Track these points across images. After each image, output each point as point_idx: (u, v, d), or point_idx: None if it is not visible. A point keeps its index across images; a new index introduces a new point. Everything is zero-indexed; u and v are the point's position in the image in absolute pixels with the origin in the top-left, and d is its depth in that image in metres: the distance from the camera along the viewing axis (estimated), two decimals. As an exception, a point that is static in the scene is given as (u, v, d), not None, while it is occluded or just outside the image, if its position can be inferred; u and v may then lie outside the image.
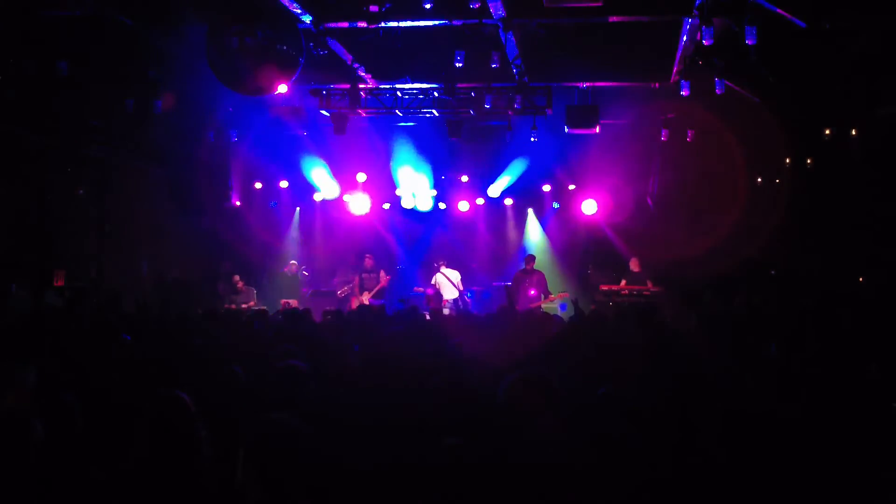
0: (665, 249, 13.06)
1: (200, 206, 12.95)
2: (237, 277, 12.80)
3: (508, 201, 14.83)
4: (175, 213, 12.87)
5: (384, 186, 14.80)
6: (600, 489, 2.66)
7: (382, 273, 12.96)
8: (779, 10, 7.71)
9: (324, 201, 14.99)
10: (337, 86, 11.24)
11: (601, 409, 3.40)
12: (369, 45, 10.18)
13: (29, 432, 2.78)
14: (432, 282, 12.91)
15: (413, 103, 11.68)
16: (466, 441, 2.93)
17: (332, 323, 7.46)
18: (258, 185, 14.70)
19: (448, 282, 12.59)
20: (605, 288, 12.56)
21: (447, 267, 12.87)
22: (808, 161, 12.26)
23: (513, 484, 2.62)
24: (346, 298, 13.12)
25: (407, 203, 14.82)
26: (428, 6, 7.78)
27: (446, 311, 11.09)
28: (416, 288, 13.25)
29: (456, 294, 12.52)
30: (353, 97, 10.71)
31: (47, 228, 10.58)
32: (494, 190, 14.51)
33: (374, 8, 8.32)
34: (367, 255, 13.13)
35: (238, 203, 14.36)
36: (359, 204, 14.31)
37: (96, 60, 10.00)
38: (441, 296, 12.43)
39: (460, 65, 9.05)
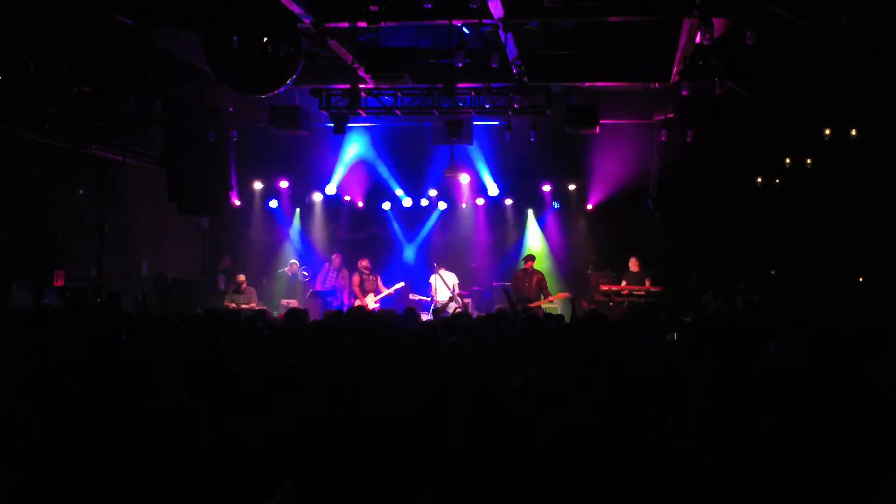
0: (665, 249, 13.07)
1: (200, 206, 12.94)
2: (242, 277, 12.77)
3: (508, 201, 14.84)
4: (175, 213, 12.86)
5: (384, 185, 14.81)
6: (604, 490, 2.66)
7: (380, 280, 12.92)
8: (779, 10, 7.71)
9: (324, 201, 14.99)
10: (337, 86, 11.24)
11: (602, 409, 3.40)
12: (369, 45, 10.19)
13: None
14: (430, 280, 12.89)
15: (413, 103, 11.68)
16: (467, 440, 2.93)
17: (331, 323, 7.45)
18: (258, 185, 14.70)
19: (443, 284, 12.55)
20: (605, 288, 12.57)
21: (445, 269, 12.82)
22: (808, 161, 12.28)
23: (515, 485, 2.62)
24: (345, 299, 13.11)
25: (407, 202, 14.82)
26: (428, 6, 7.77)
27: (426, 317, 10.89)
28: (411, 295, 13.18)
29: (448, 296, 12.49)
30: (353, 97, 10.70)
31: (47, 228, 10.57)
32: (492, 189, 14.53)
33: (374, 8, 8.33)
34: (362, 258, 13.02)
35: (238, 203, 14.36)
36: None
37: (96, 60, 10.00)
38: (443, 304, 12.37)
39: (460, 65, 9.05)
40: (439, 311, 10.11)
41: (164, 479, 2.83)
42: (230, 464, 2.73)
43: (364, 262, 12.87)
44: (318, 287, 13.33)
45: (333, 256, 13.57)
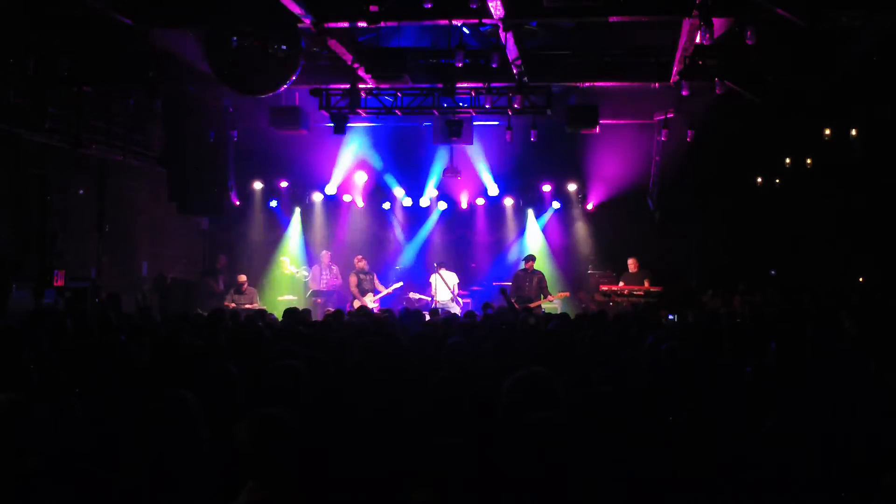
0: (665, 249, 13.07)
1: (200, 206, 12.93)
2: (243, 277, 12.75)
3: (508, 201, 14.83)
4: (175, 213, 12.85)
5: (384, 185, 14.81)
6: (599, 488, 2.66)
7: (377, 280, 12.89)
8: (779, 10, 7.71)
9: (324, 201, 14.98)
10: (337, 86, 11.24)
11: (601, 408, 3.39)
12: (369, 45, 10.20)
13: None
14: (430, 280, 12.89)
15: (413, 103, 11.68)
16: (461, 441, 2.92)
17: (332, 323, 7.45)
18: (258, 185, 14.70)
19: (444, 284, 12.54)
20: (604, 288, 12.58)
21: (446, 269, 12.80)
22: (808, 161, 12.29)
23: (508, 484, 2.62)
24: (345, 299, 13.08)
25: (407, 202, 14.81)
26: (428, 6, 7.77)
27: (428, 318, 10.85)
28: (411, 294, 13.15)
29: (449, 296, 12.47)
30: (353, 97, 10.70)
31: (47, 228, 10.57)
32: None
33: (374, 8, 8.33)
34: (358, 257, 12.96)
35: (238, 203, 14.35)
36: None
37: (96, 60, 10.00)
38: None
39: (460, 65, 9.05)
40: (437, 312, 10.08)
41: (166, 479, 2.83)
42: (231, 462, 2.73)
43: (361, 263, 12.75)
44: (316, 287, 13.33)
45: (322, 253, 13.53)
